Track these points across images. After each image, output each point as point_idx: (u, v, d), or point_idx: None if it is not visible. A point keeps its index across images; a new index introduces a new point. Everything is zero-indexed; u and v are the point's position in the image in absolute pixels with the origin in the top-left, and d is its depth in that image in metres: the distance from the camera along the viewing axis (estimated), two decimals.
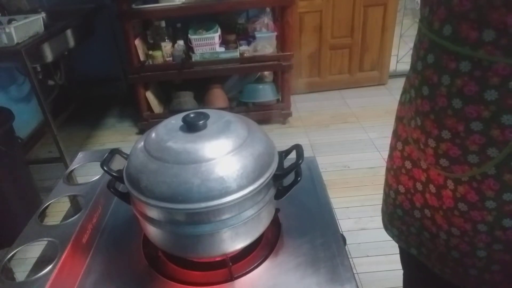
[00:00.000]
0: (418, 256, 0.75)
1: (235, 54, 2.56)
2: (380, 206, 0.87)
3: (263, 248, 0.73)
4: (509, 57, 0.48)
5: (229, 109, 2.73)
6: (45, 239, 0.70)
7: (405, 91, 0.71)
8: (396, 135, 0.74)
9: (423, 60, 0.60)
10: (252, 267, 0.69)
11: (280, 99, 2.79)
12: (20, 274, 1.37)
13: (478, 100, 0.52)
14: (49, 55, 2.14)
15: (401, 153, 0.72)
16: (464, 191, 0.59)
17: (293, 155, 0.69)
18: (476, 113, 0.53)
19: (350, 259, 1.57)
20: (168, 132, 0.65)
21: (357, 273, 1.59)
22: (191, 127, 0.64)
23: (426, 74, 0.59)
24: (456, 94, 0.54)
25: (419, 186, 0.68)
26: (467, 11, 0.50)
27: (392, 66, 3.26)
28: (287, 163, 0.69)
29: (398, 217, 0.76)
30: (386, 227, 0.84)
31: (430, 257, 0.72)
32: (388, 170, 0.79)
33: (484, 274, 0.63)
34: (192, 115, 0.65)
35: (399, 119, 0.73)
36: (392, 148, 0.76)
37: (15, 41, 1.84)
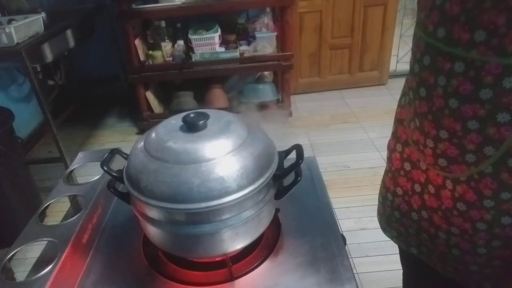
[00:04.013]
0: (418, 255, 0.76)
1: (235, 54, 2.56)
2: None
3: (263, 248, 0.73)
4: (501, 57, 0.49)
5: (229, 109, 2.73)
6: (45, 239, 0.70)
7: (404, 94, 0.72)
8: (395, 137, 0.75)
9: (420, 62, 0.61)
10: (252, 267, 0.69)
11: (280, 99, 2.79)
12: (20, 274, 1.37)
13: (473, 99, 0.53)
14: (49, 55, 2.14)
15: (401, 154, 0.72)
16: (463, 190, 0.59)
17: (293, 155, 0.69)
18: (472, 112, 0.54)
19: (350, 259, 1.57)
20: (168, 132, 0.65)
21: (357, 273, 1.59)
22: (191, 127, 0.64)
23: (423, 75, 0.60)
24: (452, 94, 0.55)
25: (417, 187, 0.69)
26: (457, 14, 0.51)
27: (392, 66, 3.26)
28: (287, 163, 0.69)
29: (396, 219, 0.77)
30: (384, 229, 0.84)
31: (431, 256, 0.72)
32: (386, 172, 0.79)
33: (485, 270, 0.64)
34: (192, 115, 0.65)
35: (398, 121, 0.74)
36: (391, 150, 0.76)
37: (15, 41, 1.84)
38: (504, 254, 0.61)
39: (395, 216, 0.77)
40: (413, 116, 0.65)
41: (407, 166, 0.70)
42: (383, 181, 0.81)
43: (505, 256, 0.61)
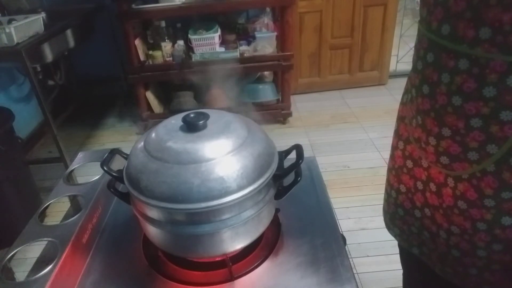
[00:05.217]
0: (419, 255, 0.75)
1: (235, 54, 2.56)
2: (380, 205, 0.87)
3: (263, 248, 0.73)
4: (505, 54, 0.49)
5: (229, 109, 2.72)
6: (45, 239, 0.70)
7: (406, 91, 0.72)
8: (397, 134, 0.75)
9: (423, 59, 0.61)
10: (252, 267, 0.69)
11: (280, 99, 2.79)
12: (20, 274, 1.37)
13: (477, 97, 0.53)
14: (49, 55, 2.14)
15: (403, 152, 0.72)
16: (464, 188, 0.59)
17: (293, 155, 0.69)
18: (476, 109, 0.53)
19: (350, 259, 1.57)
20: (168, 132, 0.65)
21: (357, 273, 1.59)
22: (191, 127, 0.64)
23: (426, 73, 0.60)
24: (455, 91, 0.55)
25: (419, 185, 0.69)
26: (462, 10, 0.51)
27: (392, 66, 3.26)
28: (287, 163, 0.69)
29: (400, 217, 0.77)
30: (388, 227, 0.84)
31: (431, 257, 0.72)
32: (389, 170, 0.79)
33: (484, 274, 0.64)
34: (192, 115, 0.65)
35: (400, 119, 0.73)
36: (394, 147, 0.76)
37: (15, 41, 1.84)
38: (504, 259, 0.61)
39: (398, 213, 0.77)
40: (415, 113, 0.65)
41: (409, 163, 0.70)
42: (387, 179, 0.81)
43: (505, 261, 0.61)
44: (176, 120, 0.67)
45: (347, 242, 0.82)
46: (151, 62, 2.62)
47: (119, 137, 2.81)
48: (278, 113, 2.78)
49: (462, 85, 0.54)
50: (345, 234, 0.80)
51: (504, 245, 0.59)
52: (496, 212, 0.57)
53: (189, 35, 2.54)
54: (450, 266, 0.68)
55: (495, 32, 0.48)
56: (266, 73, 2.75)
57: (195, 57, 2.55)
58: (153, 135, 0.66)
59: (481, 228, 0.60)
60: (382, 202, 0.86)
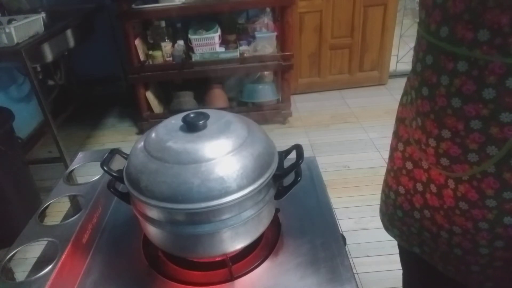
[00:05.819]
0: (421, 254, 0.76)
1: (235, 54, 2.56)
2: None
3: (263, 248, 0.73)
4: (504, 56, 0.49)
5: (229, 109, 2.73)
6: (45, 239, 0.70)
7: (406, 93, 0.72)
8: (397, 136, 0.75)
9: (422, 62, 0.61)
10: (252, 267, 0.69)
11: (280, 99, 2.79)
12: (20, 274, 1.37)
13: (476, 98, 0.53)
14: (49, 55, 2.14)
15: (402, 154, 0.72)
16: (465, 190, 0.59)
17: (293, 155, 0.69)
18: (475, 111, 0.54)
19: (350, 259, 1.57)
20: (168, 132, 0.65)
21: (357, 273, 1.59)
22: (191, 127, 0.64)
23: (425, 75, 0.60)
24: (455, 93, 0.55)
25: (419, 186, 0.69)
26: (461, 12, 0.51)
27: (392, 66, 3.26)
28: (287, 163, 0.69)
29: (398, 218, 0.77)
30: (386, 228, 0.84)
31: (433, 256, 0.72)
32: (388, 171, 0.79)
33: (487, 271, 0.64)
34: (192, 115, 0.65)
35: (400, 120, 0.73)
36: (393, 149, 0.76)
37: (15, 41, 1.84)
38: (506, 255, 0.61)
39: (397, 215, 0.77)
40: (415, 115, 0.65)
41: (408, 165, 0.70)
42: (386, 180, 0.81)
43: (507, 257, 0.61)
44: (176, 120, 0.67)
45: (347, 242, 0.82)
46: (151, 62, 2.62)
47: (119, 137, 2.81)
48: (278, 113, 2.78)
49: (461, 87, 0.54)
50: (345, 234, 0.80)
51: (505, 242, 0.60)
52: (498, 212, 0.57)
53: (189, 35, 2.54)
54: (453, 265, 0.68)
55: (494, 34, 0.48)
56: (266, 73, 2.75)
57: (195, 57, 2.55)
58: (153, 135, 0.66)
59: (483, 227, 0.60)
60: (381, 203, 0.86)
